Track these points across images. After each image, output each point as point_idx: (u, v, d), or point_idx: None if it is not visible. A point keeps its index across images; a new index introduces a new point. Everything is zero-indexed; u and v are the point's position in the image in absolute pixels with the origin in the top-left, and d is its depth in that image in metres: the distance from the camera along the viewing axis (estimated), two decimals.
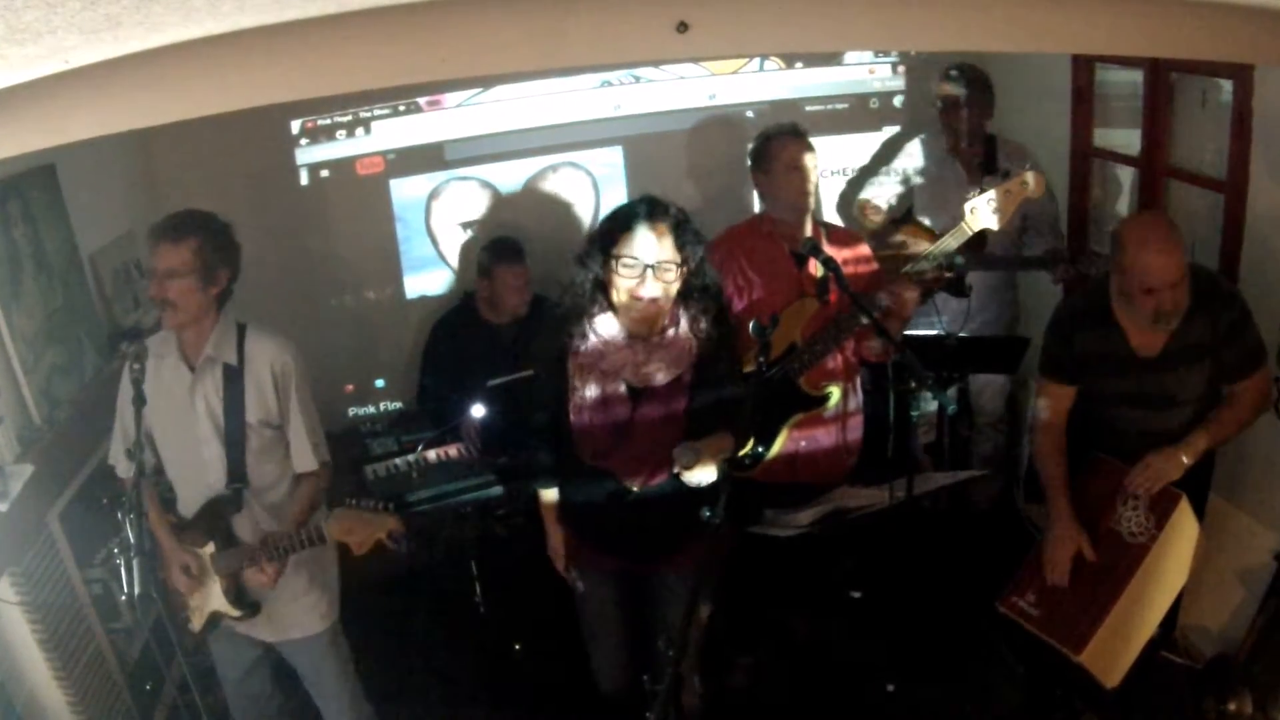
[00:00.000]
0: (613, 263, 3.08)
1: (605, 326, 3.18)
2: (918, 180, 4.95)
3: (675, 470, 3.08)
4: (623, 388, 3.21)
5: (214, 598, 3.38)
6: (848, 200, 5.25)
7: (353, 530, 3.18)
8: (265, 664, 3.65)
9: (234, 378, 3.30)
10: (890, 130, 5.55)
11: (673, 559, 3.37)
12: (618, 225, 3.10)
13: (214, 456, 3.32)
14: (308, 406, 3.41)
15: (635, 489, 3.28)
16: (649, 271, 3.05)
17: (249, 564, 3.27)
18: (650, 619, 3.51)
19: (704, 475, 3.06)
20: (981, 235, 4.31)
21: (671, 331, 3.19)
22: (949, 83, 4.74)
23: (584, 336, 3.19)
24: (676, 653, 2.98)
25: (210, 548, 3.34)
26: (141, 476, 2.98)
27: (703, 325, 3.19)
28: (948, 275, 4.47)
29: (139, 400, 3.01)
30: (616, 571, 3.48)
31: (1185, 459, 3.46)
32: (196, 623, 3.44)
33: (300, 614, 3.49)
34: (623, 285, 3.09)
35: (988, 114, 4.78)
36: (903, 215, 4.94)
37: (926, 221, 4.72)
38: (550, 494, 3.47)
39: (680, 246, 3.08)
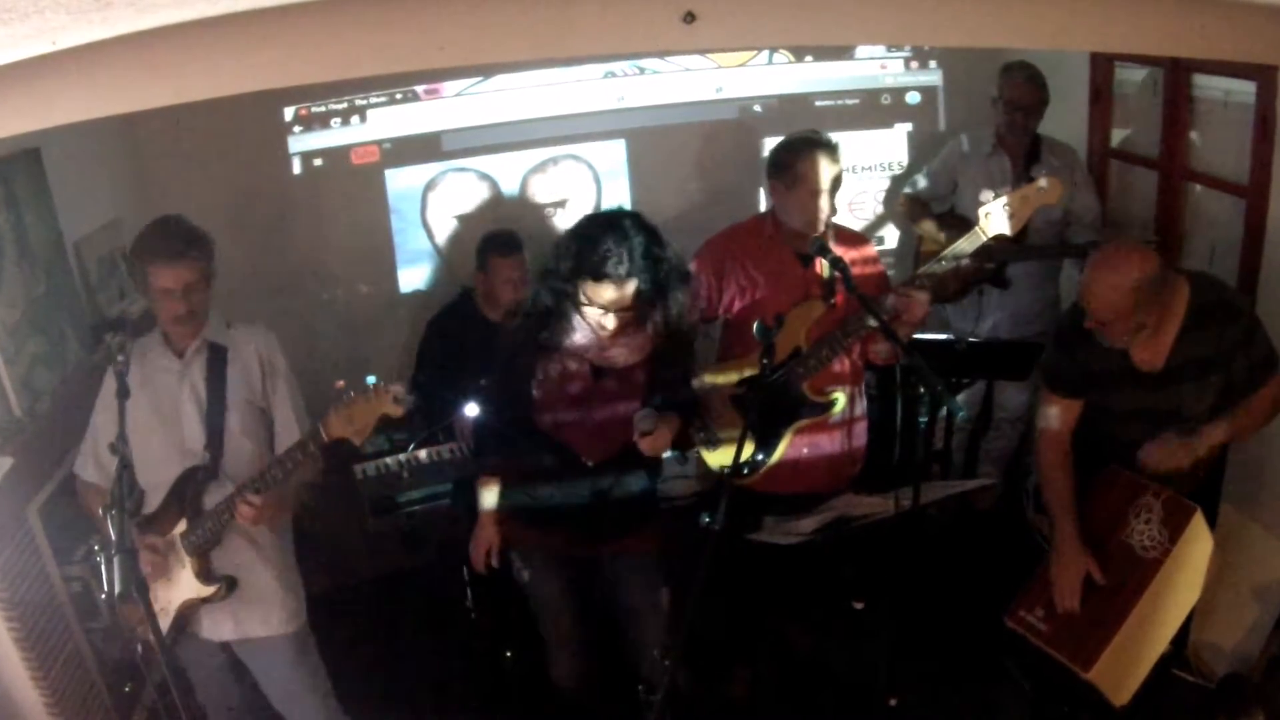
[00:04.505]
0: (581, 297, 3.20)
1: (574, 332, 3.30)
2: (963, 176, 4.94)
3: (636, 436, 3.28)
4: (586, 365, 3.36)
5: (184, 585, 3.33)
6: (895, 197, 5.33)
7: (352, 418, 3.11)
8: (231, 669, 3.58)
9: (219, 357, 3.35)
10: (902, 127, 5.51)
11: (624, 541, 3.55)
12: (586, 271, 3.15)
13: (193, 431, 3.32)
14: (294, 389, 3.46)
15: (591, 464, 3.42)
16: (615, 313, 3.21)
17: (237, 499, 3.20)
18: (607, 604, 3.65)
19: (659, 445, 3.31)
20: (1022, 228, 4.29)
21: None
22: (1022, 80, 4.73)
23: (554, 345, 3.33)
24: (673, 663, 2.93)
25: (181, 525, 3.30)
26: (125, 469, 2.92)
27: (660, 321, 3.29)
28: (989, 266, 4.49)
29: (124, 393, 2.95)
30: (568, 554, 3.58)
31: (1198, 446, 3.38)
32: (163, 625, 3.34)
33: (267, 611, 3.45)
34: (591, 315, 3.23)
35: (1042, 112, 4.78)
36: (947, 210, 4.97)
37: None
38: (492, 491, 3.58)
39: (647, 281, 3.20)
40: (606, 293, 3.16)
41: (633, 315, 3.24)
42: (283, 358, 3.44)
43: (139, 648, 3.41)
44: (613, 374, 3.36)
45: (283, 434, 3.42)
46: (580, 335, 3.27)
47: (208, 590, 3.32)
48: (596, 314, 3.21)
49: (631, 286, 3.16)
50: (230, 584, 3.34)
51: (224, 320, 3.41)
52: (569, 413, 3.40)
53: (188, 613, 3.37)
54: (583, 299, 3.19)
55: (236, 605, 3.39)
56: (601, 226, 3.16)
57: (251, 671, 3.57)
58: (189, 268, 3.19)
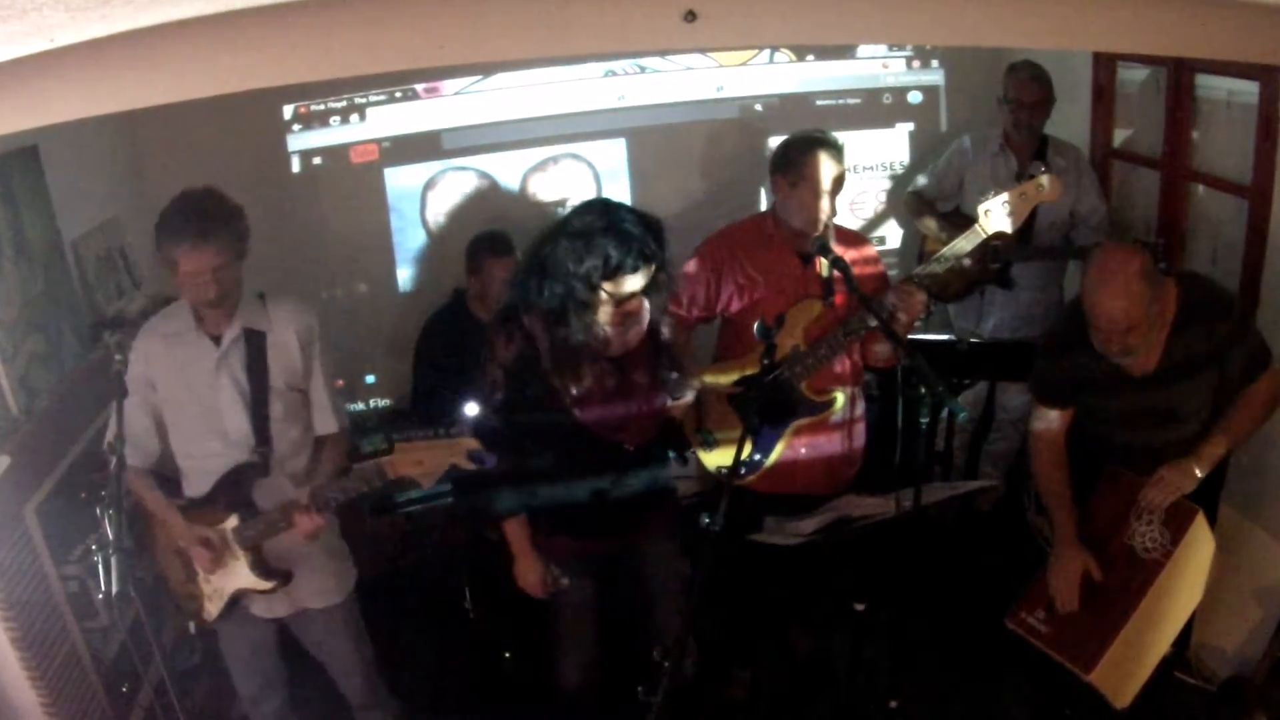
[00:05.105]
0: (597, 295, 3.14)
1: (599, 329, 3.23)
2: (969, 175, 4.95)
3: (670, 403, 3.37)
4: (607, 361, 3.30)
5: (239, 575, 3.33)
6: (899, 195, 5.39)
7: (422, 460, 3.09)
8: (276, 640, 3.59)
9: (258, 343, 3.29)
10: (904, 126, 5.49)
11: (652, 526, 3.54)
12: (606, 269, 3.10)
13: (238, 424, 3.28)
14: (329, 368, 3.44)
15: (633, 448, 3.39)
16: (632, 298, 3.18)
17: (299, 513, 3.19)
18: (630, 595, 3.63)
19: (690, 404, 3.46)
20: (1024, 229, 4.29)
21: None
22: (1028, 79, 4.76)
23: (584, 348, 3.24)
24: (673, 664, 2.92)
25: (232, 521, 3.28)
26: (122, 469, 2.91)
27: (661, 289, 3.27)
28: (993, 266, 4.51)
29: (121, 393, 2.94)
30: (593, 555, 3.53)
31: (1199, 470, 3.37)
32: (214, 608, 3.39)
33: (319, 584, 3.47)
34: (606, 311, 3.17)
35: (1048, 113, 4.80)
36: (952, 210, 4.97)
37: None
38: (517, 519, 3.46)
39: (658, 265, 3.17)
40: (633, 283, 3.12)
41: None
42: (318, 337, 3.39)
43: (190, 625, 3.46)
44: (626, 355, 3.32)
45: (318, 419, 3.42)
46: (604, 330, 3.22)
47: (265, 585, 3.33)
48: (615, 308, 3.17)
49: (652, 269, 3.14)
50: (287, 578, 3.36)
51: (258, 297, 3.33)
52: (604, 406, 3.33)
53: (241, 597, 3.39)
54: (605, 295, 3.13)
55: (290, 584, 3.40)
56: (603, 222, 3.11)
57: (303, 642, 3.58)
58: (216, 250, 3.08)
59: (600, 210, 3.16)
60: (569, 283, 3.11)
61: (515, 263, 4.56)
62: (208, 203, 3.15)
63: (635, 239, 3.08)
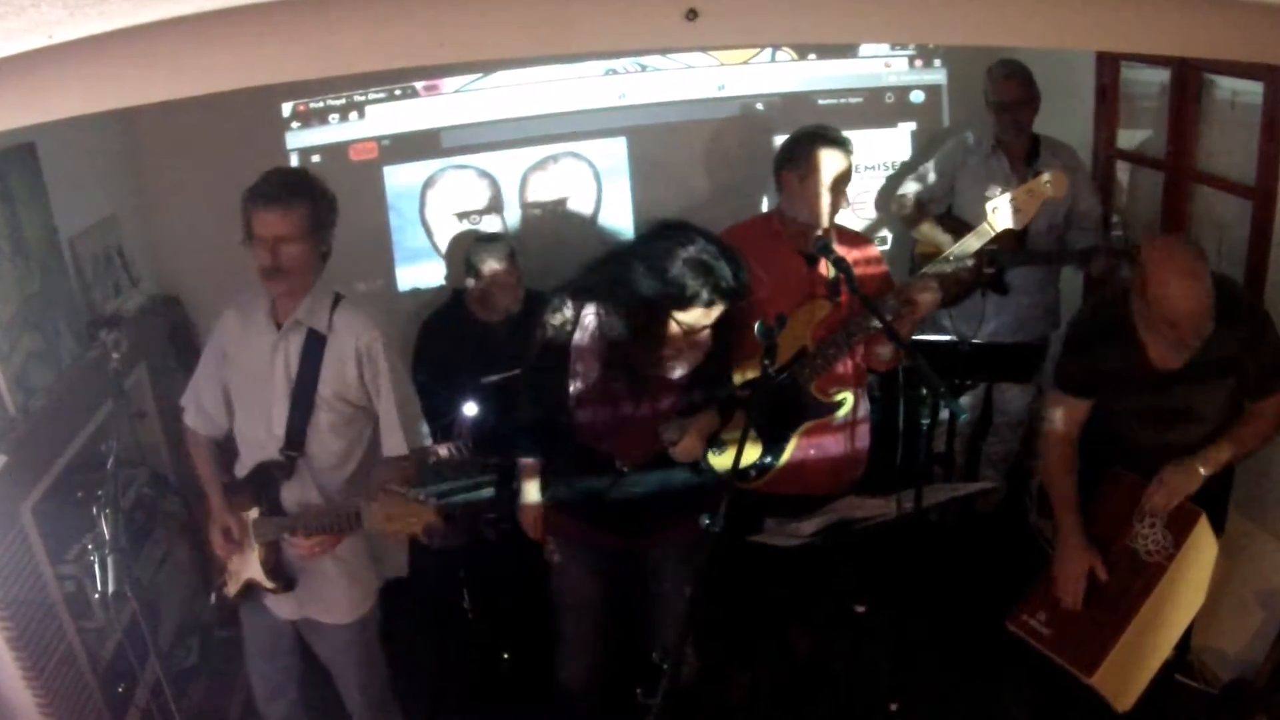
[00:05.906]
0: (672, 321, 3.20)
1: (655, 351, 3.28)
2: (961, 175, 4.94)
3: (666, 445, 3.31)
4: (624, 373, 3.30)
5: (251, 566, 3.35)
6: (888, 196, 5.36)
7: (391, 518, 3.07)
8: (294, 639, 3.57)
9: (316, 345, 3.24)
10: (905, 126, 5.48)
11: (661, 535, 3.52)
12: (687, 298, 3.14)
13: (280, 417, 3.27)
14: (402, 388, 3.34)
15: (626, 469, 3.42)
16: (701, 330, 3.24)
17: (288, 534, 3.23)
18: (637, 596, 3.66)
19: (691, 451, 3.33)
20: (1021, 233, 4.30)
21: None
22: (1003, 78, 4.74)
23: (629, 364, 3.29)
24: (672, 667, 2.91)
25: (254, 513, 3.31)
26: (119, 467, 2.91)
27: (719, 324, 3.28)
28: (989, 272, 4.55)
29: (116, 391, 2.93)
30: (604, 548, 3.56)
31: (1203, 471, 3.36)
32: (232, 588, 3.43)
33: (331, 602, 3.43)
34: (676, 331, 3.22)
35: (1035, 110, 4.78)
36: (944, 211, 4.97)
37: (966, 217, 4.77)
38: (533, 462, 3.57)
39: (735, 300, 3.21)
40: (712, 312, 3.18)
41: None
42: (387, 352, 3.30)
43: (213, 597, 3.51)
44: (655, 382, 3.34)
45: (387, 439, 3.34)
46: (650, 351, 3.26)
47: (269, 585, 3.34)
48: (683, 332, 3.21)
49: (727, 306, 3.19)
50: (289, 584, 3.36)
51: (331, 298, 3.29)
52: (605, 420, 3.38)
53: (252, 586, 3.40)
54: (676, 323, 3.18)
55: (301, 591, 3.39)
56: (693, 250, 3.15)
57: (312, 648, 3.57)
58: (283, 217, 3.07)
59: (693, 240, 3.18)
60: (633, 304, 3.17)
61: (517, 264, 4.56)
62: (296, 176, 3.23)
63: (731, 269, 3.13)
